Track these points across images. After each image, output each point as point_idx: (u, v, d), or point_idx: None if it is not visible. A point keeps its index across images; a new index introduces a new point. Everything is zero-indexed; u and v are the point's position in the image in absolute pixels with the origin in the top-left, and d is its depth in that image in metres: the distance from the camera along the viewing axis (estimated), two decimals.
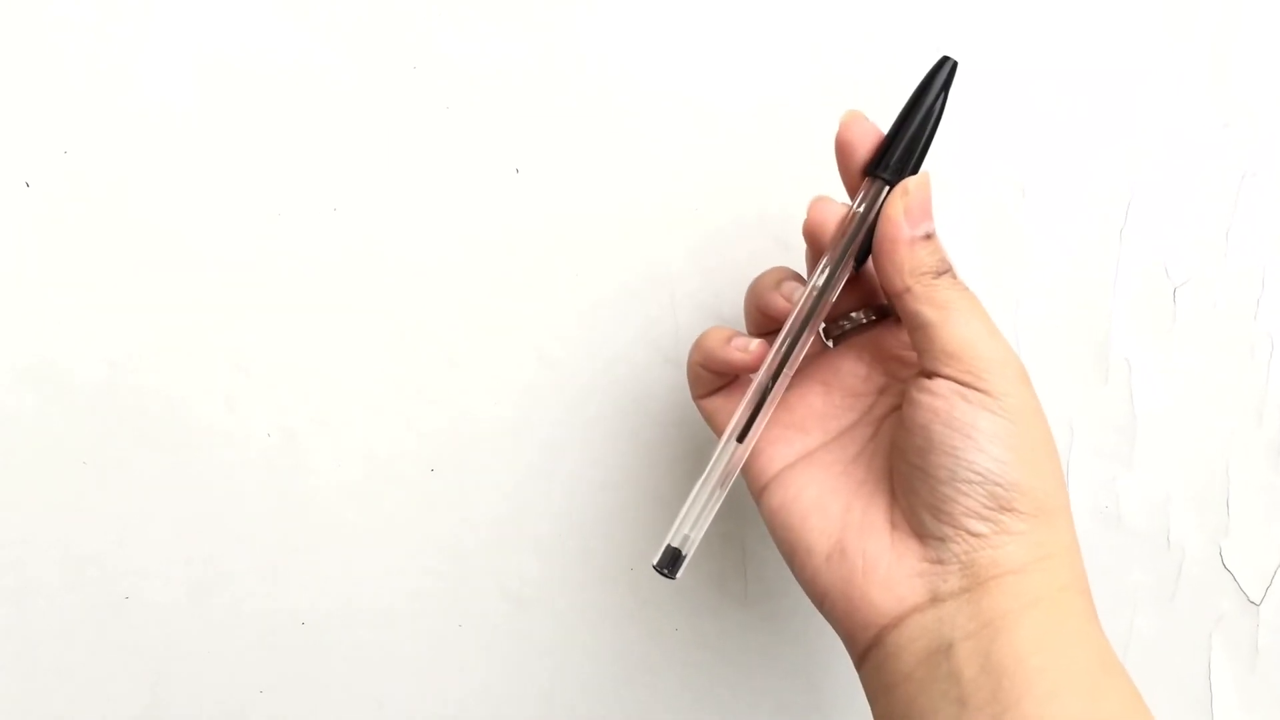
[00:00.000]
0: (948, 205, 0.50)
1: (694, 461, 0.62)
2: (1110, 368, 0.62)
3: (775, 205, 0.60)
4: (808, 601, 0.50)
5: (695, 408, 0.55)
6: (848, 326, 0.51)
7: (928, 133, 0.47)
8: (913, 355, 0.48)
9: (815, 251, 0.50)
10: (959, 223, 0.60)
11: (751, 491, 0.52)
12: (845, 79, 0.60)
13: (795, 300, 0.49)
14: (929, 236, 0.46)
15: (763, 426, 0.49)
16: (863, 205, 0.48)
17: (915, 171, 0.47)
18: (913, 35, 0.60)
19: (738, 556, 0.63)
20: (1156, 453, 0.63)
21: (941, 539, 0.45)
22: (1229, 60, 0.60)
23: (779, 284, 0.50)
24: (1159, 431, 0.63)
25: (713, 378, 0.52)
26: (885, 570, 0.46)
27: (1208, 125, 0.61)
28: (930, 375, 0.46)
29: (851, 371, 0.52)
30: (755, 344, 0.49)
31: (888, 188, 0.47)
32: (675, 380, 0.61)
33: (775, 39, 0.59)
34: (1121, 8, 0.60)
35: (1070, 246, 0.61)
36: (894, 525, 0.47)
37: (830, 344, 0.51)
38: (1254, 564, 0.64)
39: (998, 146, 0.61)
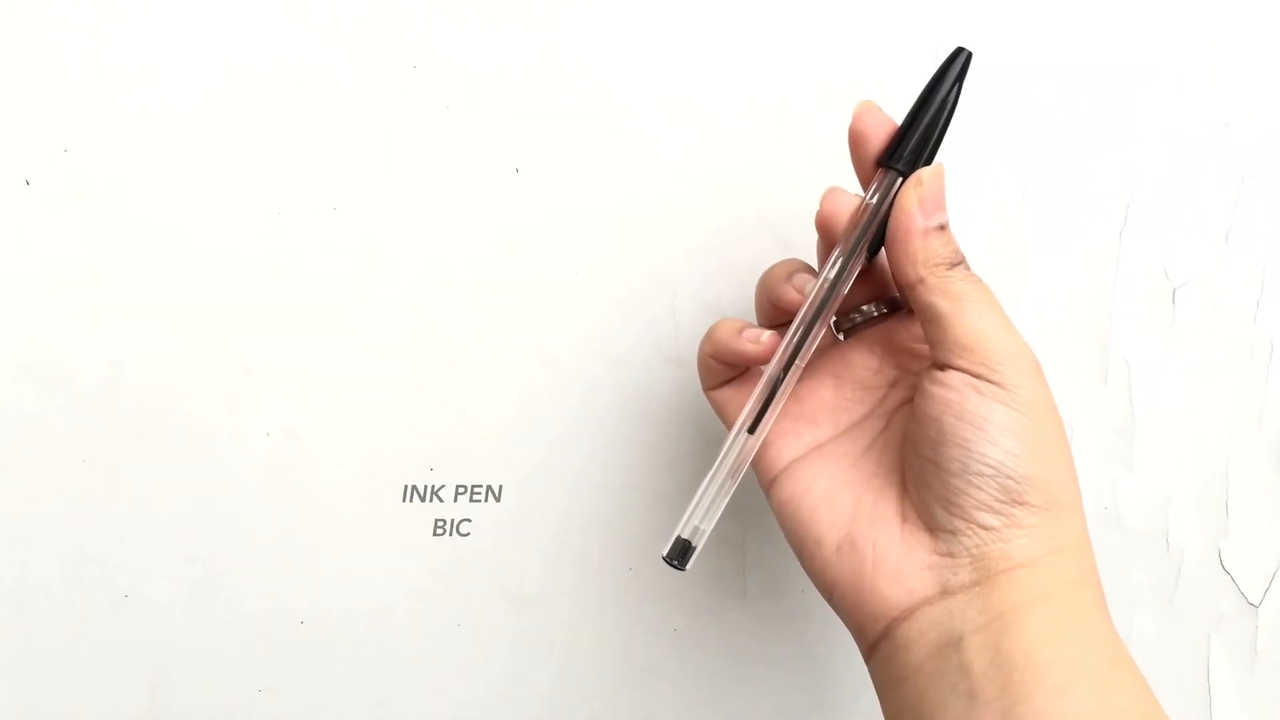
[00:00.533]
0: (949, 205, 0.50)
1: (695, 462, 0.62)
2: (1110, 368, 0.62)
3: (775, 205, 0.60)
4: (808, 601, 0.50)
5: (696, 408, 0.55)
6: (859, 319, 0.51)
7: (942, 124, 0.47)
8: (924, 348, 0.49)
9: (827, 243, 0.49)
10: (959, 223, 0.60)
11: (761, 484, 0.52)
12: (845, 79, 0.60)
13: (807, 292, 0.49)
14: (942, 228, 0.46)
15: (773, 418, 0.49)
16: (875, 196, 0.48)
17: (929, 163, 0.47)
18: (913, 35, 0.60)
19: (738, 557, 0.63)
20: (1156, 453, 0.63)
21: (952, 532, 0.45)
22: (1229, 60, 0.61)
23: (791, 276, 0.50)
24: (1159, 432, 0.63)
25: (723, 369, 0.52)
26: (895, 563, 0.46)
27: (1208, 125, 0.61)
28: (943, 367, 0.45)
29: (863, 364, 0.52)
30: (767, 335, 0.49)
31: (901, 179, 0.47)
32: (676, 380, 0.61)
33: (775, 39, 0.60)
34: (1121, 8, 0.60)
35: (1070, 246, 0.62)
36: (904, 518, 0.47)
37: (841, 337, 0.51)
38: (1253, 565, 0.64)
39: (998, 147, 0.61)
